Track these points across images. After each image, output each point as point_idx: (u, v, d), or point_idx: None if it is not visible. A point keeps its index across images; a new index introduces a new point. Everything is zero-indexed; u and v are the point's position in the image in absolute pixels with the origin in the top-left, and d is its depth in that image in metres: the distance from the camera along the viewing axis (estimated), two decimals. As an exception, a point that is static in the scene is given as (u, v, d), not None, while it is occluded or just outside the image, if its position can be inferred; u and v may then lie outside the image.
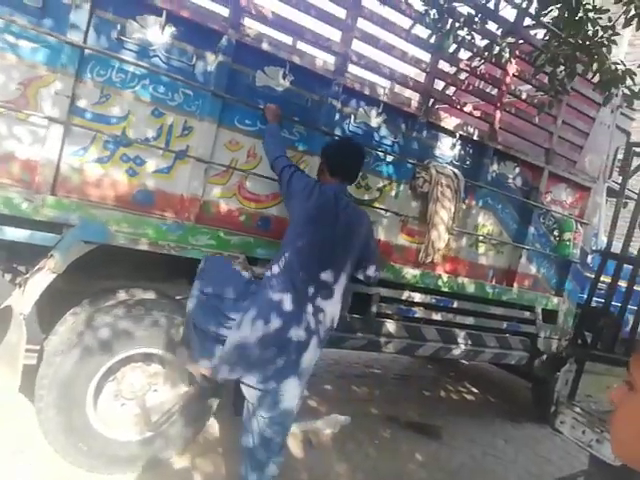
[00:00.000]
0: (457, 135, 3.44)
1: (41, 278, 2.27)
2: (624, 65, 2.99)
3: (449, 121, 3.39)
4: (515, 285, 3.93)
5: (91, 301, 2.61)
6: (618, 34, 2.87)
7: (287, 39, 3.05)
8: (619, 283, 3.38)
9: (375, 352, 3.57)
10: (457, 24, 2.78)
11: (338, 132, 2.98)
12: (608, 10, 2.75)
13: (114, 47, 2.34)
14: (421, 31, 3.01)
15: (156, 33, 2.42)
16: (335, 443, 3.20)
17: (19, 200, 2.16)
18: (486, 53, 3.07)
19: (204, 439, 2.84)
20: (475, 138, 3.51)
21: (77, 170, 2.35)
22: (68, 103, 2.26)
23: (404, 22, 3.03)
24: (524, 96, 3.76)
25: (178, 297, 2.97)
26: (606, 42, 2.84)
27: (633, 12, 2.69)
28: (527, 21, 3.39)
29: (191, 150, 2.60)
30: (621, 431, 0.86)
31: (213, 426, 2.98)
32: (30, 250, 2.30)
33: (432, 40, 2.99)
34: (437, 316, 3.58)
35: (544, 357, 4.15)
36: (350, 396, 4.12)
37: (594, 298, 3.29)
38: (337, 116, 2.97)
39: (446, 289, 3.55)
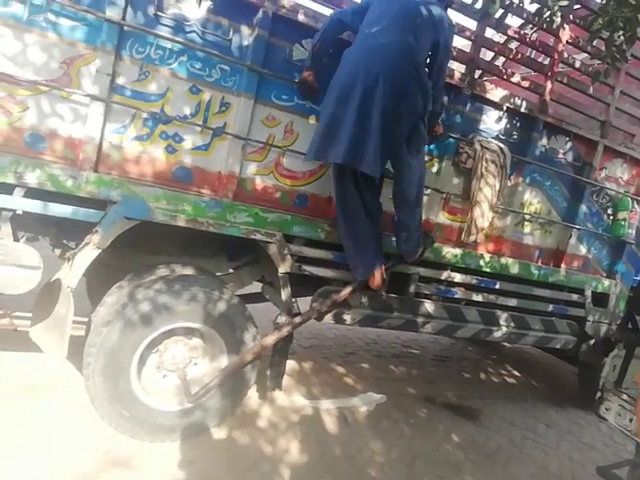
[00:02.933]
0: (504, 108, 3.28)
1: (87, 253, 2.36)
2: (691, 28, 2.73)
3: (495, 93, 3.23)
4: (563, 266, 3.76)
5: (134, 276, 2.70)
6: (686, -8, 2.61)
7: (325, 10, 2.98)
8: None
9: (413, 332, 3.51)
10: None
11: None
12: (675, -34, 2.51)
13: (152, 23, 2.35)
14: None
15: (193, 8, 2.40)
16: (370, 421, 3.20)
17: (63, 177, 2.23)
18: (537, 19, 2.87)
19: (242, 412, 2.90)
20: (523, 110, 3.33)
21: (118, 148, 2.40)
22: (109, 81, 2.30)
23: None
24: (578, 65, 3.52)
25: (218, 273, 3.03)
26: (672, 1, 2.59)
27: None
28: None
29: (229, 127, 2.60)
30: None
31: (251, 399, 3.04)
32: (79, 226, 2.38)
33: (477, 5, 2.83)
34: (478, 297, 3.48)
35: (592, 342, 3.98)
36: (387, 375, 4.09)
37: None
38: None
39: (488, 269, 3.44)
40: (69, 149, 2.30)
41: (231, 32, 2.51)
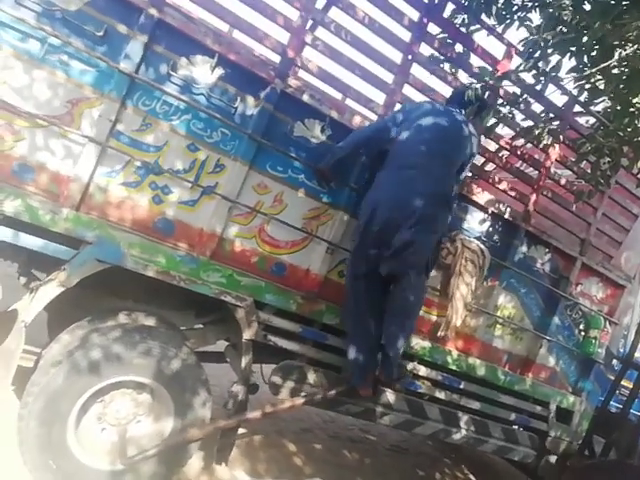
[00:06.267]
0: (489, 211, 3.38)
1: (50, 289, 2.30)
2: (672, 164, 2.91)
3: (482, 196, 3.34)
4: (530, 375, 3.72)
5: (94, 318, 2.62)
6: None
7: (334, 93, 3.14)
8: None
9: (371, 421, 3.39)
10: (500, 100, 2.78)
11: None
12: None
13: (163, 80, 2.44)
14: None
15: (205, 73, 2.51)
16: (311, 511, 3.02)
17: (43, 210, 2.22)
18: (526, 135, 3.04)
19: (177, 481, 2.73)
20: (507, 217, 3.43)
21: (105, 190, 2.41)
22: (109, 126, 2.34)
23: (446, 91, 3.07)
24: (564, 182, 3.68)
25: (182, 327, 2.95)
26: (656, 139, 2.77)
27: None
28: (576, 107, 3.37)
29: (219, 187, 2.63)
30: None
31: (190, 467, 2.86)
32: (51, 259, 2.33)
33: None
34: (441, 394, 3.40)
35: (552, 458, 3.86)
36: (339, 460, 3.90)
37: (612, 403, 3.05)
38: (368, 174, 2.97)
39: (455, 367, 3.39)
40: (55, 184, 2.30)
41: (238, 100, 2.60)
